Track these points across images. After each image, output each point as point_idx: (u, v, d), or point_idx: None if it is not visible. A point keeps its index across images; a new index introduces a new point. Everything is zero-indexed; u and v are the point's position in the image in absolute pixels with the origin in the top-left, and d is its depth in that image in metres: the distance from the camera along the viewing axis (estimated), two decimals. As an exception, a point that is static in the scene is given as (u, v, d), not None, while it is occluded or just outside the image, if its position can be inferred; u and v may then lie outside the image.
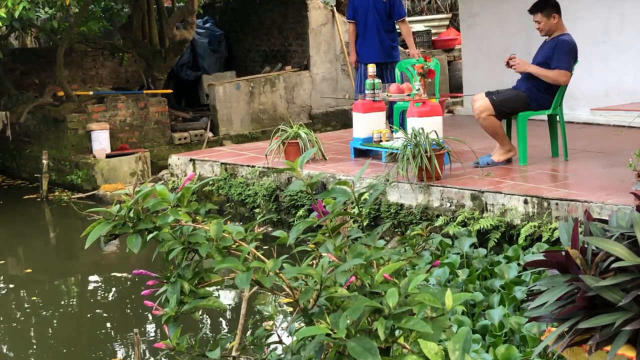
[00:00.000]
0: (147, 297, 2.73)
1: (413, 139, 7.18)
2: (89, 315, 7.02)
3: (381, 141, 8.25)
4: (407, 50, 9.01)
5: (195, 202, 2.69)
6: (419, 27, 15.94)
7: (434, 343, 2.27)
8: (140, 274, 2.75)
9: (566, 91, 7.82)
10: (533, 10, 7.70)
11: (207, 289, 2.68)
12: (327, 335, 2.28)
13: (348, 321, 2.27)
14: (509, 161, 7.81)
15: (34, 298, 7.50)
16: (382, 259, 2.55)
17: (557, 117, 7.95)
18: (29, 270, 8.39)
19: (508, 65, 7.67)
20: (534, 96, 7.65)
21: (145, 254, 2.82)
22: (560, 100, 7.77)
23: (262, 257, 2.59)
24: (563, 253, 2.72)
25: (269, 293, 2.62)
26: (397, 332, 2.39)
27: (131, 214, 2.61)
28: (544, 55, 7.63)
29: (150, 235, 2.60)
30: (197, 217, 2.67)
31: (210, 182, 9.05)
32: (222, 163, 9.17)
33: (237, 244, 2.60)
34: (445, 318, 2.36)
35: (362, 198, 2.66)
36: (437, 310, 2.36)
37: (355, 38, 9.64)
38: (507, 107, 7.63)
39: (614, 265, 2.60)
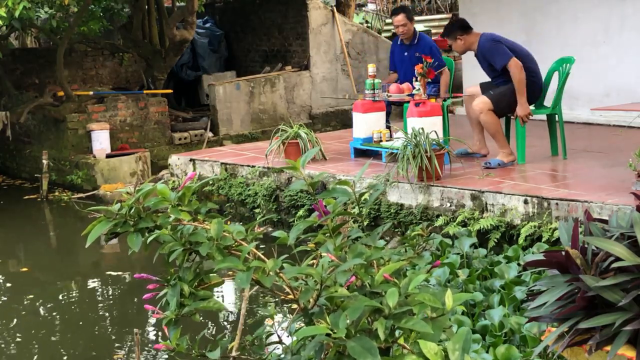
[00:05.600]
0: (148, 300, 2.73)
1: (413, 139, 7.18)
2: (88, 315, 7.02)
3: (381, 141, 8.25)
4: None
5: (197, 201, 2.69)
6: (419, 27, 15.93)
7: (434, 343, 2.27)
8: (142, 278, 2.75)
9: (566, 91, 7.84)
10: (442, 36, 8.10)
11: (207, 290, 2.68)
12: (327, 335, 2.27)
13: (348, 321, 2.27)
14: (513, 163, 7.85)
15: (32, 297, 7.49)
16: (382, 259, 2.55)
17: (556, 116, 7.99)
18: (25, 269, 8.38)
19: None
20: (528, 88, 7.71)
21: (145, 254, 2.82)
22: (559, 99, 7.84)
23: (262, 256, 2.59)
24: (563, 253, 2.72)
25: (269, 293, 2.62)
26: (397, 332, 2.39)
27: (132, 213, 2.61)
28: (486, 68, 7.84)
29: (151, 237, 2.59)
30: (198, 217, 2.67)
31: (210, 182, 9.05)
32: (222, 163, 9.17)
33: (237, 243, 2.60)
34: (445, 318, 2.36)
35: (363, 198, 2.66)
36: (437, 311, 2.36)
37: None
38: (504, 101, 7.69)
39: (614, 265, 2.60)
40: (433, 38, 15.46)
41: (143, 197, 2.61)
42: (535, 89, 7.81)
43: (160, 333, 6.26)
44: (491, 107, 7.64)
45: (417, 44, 9.03)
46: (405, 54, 9.02)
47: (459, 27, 7.84)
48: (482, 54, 7.75)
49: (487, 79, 8.15)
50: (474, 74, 11.15)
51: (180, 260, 2.61)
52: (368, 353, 2.20)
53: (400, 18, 9.02)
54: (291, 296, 2.53)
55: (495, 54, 7.63)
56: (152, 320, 6.63)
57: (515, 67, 7.57)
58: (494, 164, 7.68)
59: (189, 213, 2.62)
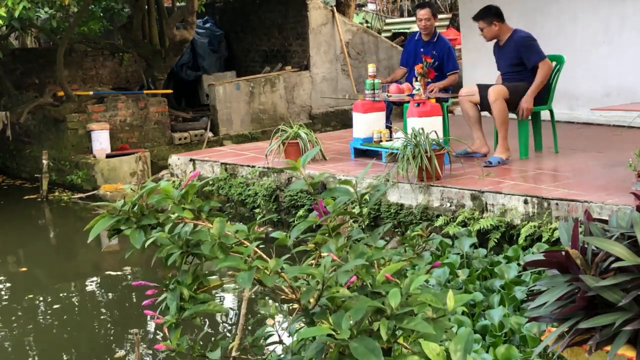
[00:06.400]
0: (147, 306, 2.73)
1: (413, 139, 7.18)
2: (88, 315, 7.02)
3: (381, 141, 8.25)
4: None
5: (199, 199, 2.69)
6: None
7: (436, 344, 2.27)
8: (140, 285, 2.75)
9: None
10: (475, 18, 8.11)
11: (206, 293, 2.67)
12: (329, 335, 2.27)
13: (351, 321, 2.27)
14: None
15: (32, 297, 7.49)
16: (383, 259, 2.55)
17: (540, 113, 8.26)
18: (24, 269, 8.38)
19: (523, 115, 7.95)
20: (540, 91, 7.93)
21: (144, 255, 2.82)
22: (551, 96, 8.12)
23: (264, 256, 2.58)
24: (563, 253, 2.72)
25: (269, 293, 2.61)
26: (397, 333, 2.38)
27: (135, 210, 2.60)
28: (511, 58, 7.93)
29: (150, 240, 2.59)
30: (201, 214, 2.67)
31: (211, 182, 9.05)
32: (222, 163, 9.17)
33: (239, 243, 2.60)
34: (446, 319, 2.36)
35: (363, 198, 2.66)
36: (438, 311, 2.36)
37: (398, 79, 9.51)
38: (518, 95, 7.85)
39: (614, 265, 2.60)
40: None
41: (146, 194, 2.61)
42: (542, 93, 8.05)
43: (160, 333, 6.26)
44: (507, 96, 7.80)
45: (435, 42, 9.03)
46: (422, 49, 9.00)
47: (495, 13, 7.98)
48: (516, 47, 7.87)
49: (484, 79, 8.23)
50: (473, 74, 11.17)
51: (179, 263, 2.61)
52: (371, 354, 2.19)
53: (424, 12, 9.00)
54: (292, 296, 2.53)
55: (533, 51, 7.82)
56: (152, 321, 6.62)
57: (547, 66, 7.80)
58: (494, 162, 7.75)
59: (191, 211, 2.62)
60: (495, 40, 8.08)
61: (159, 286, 2.67)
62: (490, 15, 7.95)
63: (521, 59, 7.84)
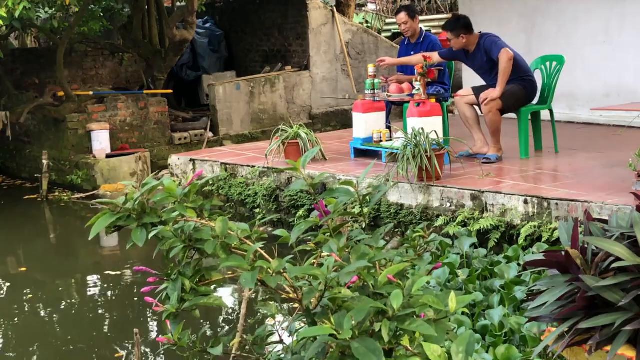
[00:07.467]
0: (147, 294, 2.73)
1: (413, 139, 7.18)
2: (88, 315, 7.03)
3: (381, 141, 8.26)
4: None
5: (201, 198, 2.69)
6: (419, 27, 15.90)
7: (437, 345, 2.27)
8: (141, 271, 2.75)
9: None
10: (444, 28, 8.20)
11: (208, 287, 2.67)
12: (331, 335, 2.27)
13: (353, 322, 2.27)
14: None
15: (32, 297, 7.49)
16: (385, 260, 2.55)
17: (542, 113, 8.31)
18: (24, 269, 8.38)
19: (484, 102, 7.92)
20: (530, 87, 8.01)
21: (145, 253, 2.83)
22: (550, 96, 8.18)
23: (266, 256, 2.58)
24: (563, 253, 2.73)
25: (270, 292, 2.61)
26: (399, 334, 2.38)
27: (136, 206, 2.60)
28: (483, 62, 8.00)
29: (153, 233, 2.59)
30: (203, 213, 2.67)
31: (210, 182, 9.05)
32: (222, 163, 9.17)
33: (242, 242, 2.60)
34: (448, 320, 2.36)
35: (364, 199, 2.66)
36: (440, 313, 2.36)
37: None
38: (511, 101, 7.89)
39: (614, 265, 2.61)
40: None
41: (148, 192, 2.61)
42: (533, 89, 8.04)
43: (160, 332, 6.26)
44: (500, 107, 7.83)
45: (422, 42, 9.05)
46: (412, 52, 9.02)
47: (464, 25, 7.98)
48: (485, 49, 7.91)
49: (482, 82, 8.25)
50: (474, 75, 11.16)
51: (181, 257, 2.61)
52: (372, 354, 2.19)
53: (401, 16, 9.04)
54: (293, 296, 2.53)
55: (494, 46, 7.84)
56: (153, 320, 6.63)
57: (505, 55, 7.74)
58: (493, 158, 7.88)
59: (193, 210, 2.62)
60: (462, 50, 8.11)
61: (160, 275, 2.67)
62: (458, 27, 7.95)
63: (493, 60, 7.87)
